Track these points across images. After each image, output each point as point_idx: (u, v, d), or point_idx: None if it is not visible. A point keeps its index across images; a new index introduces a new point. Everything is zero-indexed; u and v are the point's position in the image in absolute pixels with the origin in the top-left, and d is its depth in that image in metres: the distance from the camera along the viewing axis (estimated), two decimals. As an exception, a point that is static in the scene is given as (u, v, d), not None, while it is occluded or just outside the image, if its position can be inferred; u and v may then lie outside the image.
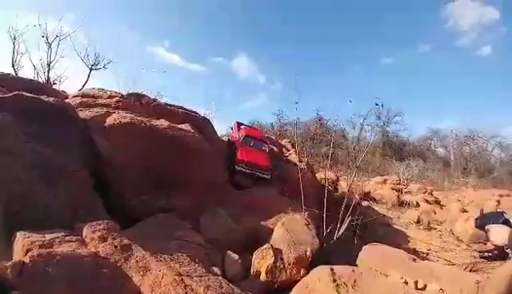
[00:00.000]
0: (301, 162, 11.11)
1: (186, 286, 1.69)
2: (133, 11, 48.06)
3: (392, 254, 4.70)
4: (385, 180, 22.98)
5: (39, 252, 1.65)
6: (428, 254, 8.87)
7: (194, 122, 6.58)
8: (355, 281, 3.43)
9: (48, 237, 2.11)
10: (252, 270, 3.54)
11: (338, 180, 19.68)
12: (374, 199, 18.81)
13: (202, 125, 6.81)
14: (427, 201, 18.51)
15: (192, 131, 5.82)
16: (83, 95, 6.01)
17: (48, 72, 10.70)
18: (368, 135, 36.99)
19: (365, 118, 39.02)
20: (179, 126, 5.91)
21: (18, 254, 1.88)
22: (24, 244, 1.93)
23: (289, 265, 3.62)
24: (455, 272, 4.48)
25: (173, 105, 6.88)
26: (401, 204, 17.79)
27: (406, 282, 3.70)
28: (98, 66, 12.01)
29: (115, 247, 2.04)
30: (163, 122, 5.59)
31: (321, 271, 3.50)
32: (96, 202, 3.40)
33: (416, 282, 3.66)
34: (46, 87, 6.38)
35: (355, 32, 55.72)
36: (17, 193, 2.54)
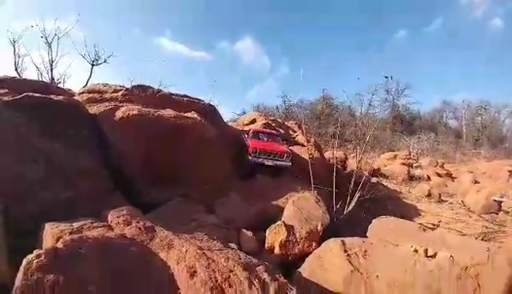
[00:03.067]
0: (308, 142, 11.15)
1: (208, 258, 1.85)
2: (133, 3, 46.96)
3: (403, 225, 4.82)
4: (395, 156, 22.81)
5: (71, 237, 1.80)
6: (438, 226, 8.98)
7: (199, 110, 6.64)
8: (365, 251, 3.60)
9: (76, 225, 2.30)
10: (266, 245, 3.76)
11: (346, 158, 19.72)
12: (383, 175, 18.85)
13: (208, 112, 6.87)
14: (438, 174, 18.42)
15: (199, 118, 5.91)
16: (89, 92, 6.13)
17: (51, 71, 10.84)
18: (377, 110, 36.25)
19: (373, 94, 37.99)
20: (185, 114, 6.00)
21: (48, 243, 2.05)
22: (54, 233, 2.10)
23: (301, 239, 3.81)
24: (466, 240, 4.57)
25: (178, 94, 6.93)
26: (412, 179, 17.79)
27: (416, 251, 3.84)
28: (99, 61, 12.04)
29: (139, 229, 2.22)
30: (169, 112, 5.69)
31: (333, 243, 3.67)
32: (113, 192, 3.61)
33: (426, 251, 3.79)
34: (51, 87, 6.51)
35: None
36: (29, 188, 2.74)
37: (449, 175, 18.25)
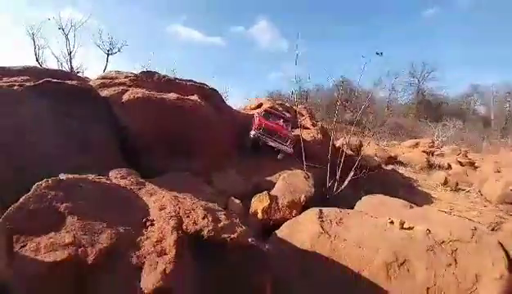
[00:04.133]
0: (314, 126, 11.36)
1: (178, 201, 2.42)
2: None
3: (388, 201, 5.09)
4: (417, 144, 22.12)
5: (74, 176, 2.32)
6: (450, 213, 9.01)
7: (202, 93, 7.21)
8: (340, 219, 3.98)
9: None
10: (250, 211, 4.31)
11: (361, 145, 19.59)
12: (401, 163, 18.53)
13: (210, 95, 7.42)
14: (460, 163, 17.78)
15: (199, 100, 6.47)
16: (102, 78, 6.93)
17: (70, 61, 11.96)
18: (400, 95, 34.57)
19: (396, 77, 36.17)
20: (187, 97, 6.60)
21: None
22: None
23: (283, 207, 4.30)
24: (451, 218, 4.73)
25: (182, 79, 7.53)
26: (432, 167, 17.36)
27: (393, 222, 4.14)
28: (114, 50, 12.98)
29: (132, 181, 2.84)
30: (172, 95, 6.31)
31: (311, 211, 4.10)
32: (120, 163, 4.32)
33: (403, 223, 4.08)
34: (71, 75, 7.41)
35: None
36: (52, 155, 3.47)
37: (471, 164, 17.51)
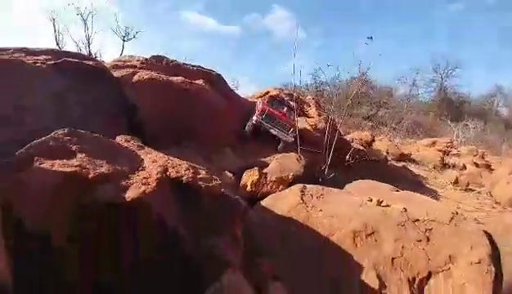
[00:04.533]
0: (320, 116, 11.58)
1: (169, 159, 2.91)
2: None
3: (375, 185, 5.35)
4: (434, 143, 21.63)
5: (87, 132, 2.88)
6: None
7: (208, 79, 7.69)
8: (322, 194, 4.34)
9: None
10: (241, 184, 4.78)
11: (373, 140, 19.50)
12: (413, 161, 18.34)
13: (214, 80, 7.89)
14: (476, 164, 17.37)
15: (203, 84, 6.96)
16: (117, 61, 7.58)
17: (89, 46, 12.84)
18: (421, 92, 33.37)
19: (417, 73, 34.80)
20: (193, 81, 7.10)
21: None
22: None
23: (271, 182, 4.73)
24: (434, 202, 4.94)
25: (189, 64, 8.04)
26: (445, 166, 17.11)
27: (371, 200, 4.44)
28: (129, 36, 13.73)
29: (133, 144, 3.37)
30: (178, 78, 6.84)
31: (296, 186, 4.49)
32: (128, 134, 4.91)
33: (380, 201, 4.38)
34: (88, 57, 8.13)
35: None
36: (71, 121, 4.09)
37: (487, 166, 17.07)
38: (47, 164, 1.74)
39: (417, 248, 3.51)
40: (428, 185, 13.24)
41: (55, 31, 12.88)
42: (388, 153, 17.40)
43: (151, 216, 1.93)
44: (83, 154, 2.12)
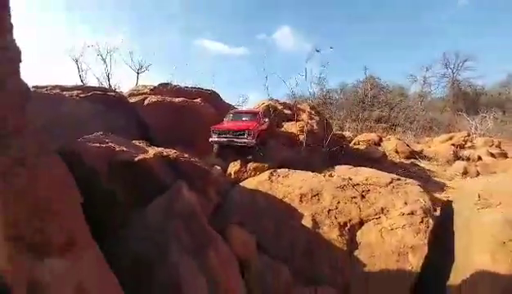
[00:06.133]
0: (311, 119, 13.08)
1: (163, 150, 4.67)
2: (173, 11, 54.94)
3: (363, 170, 6.52)
4: (451, 138, 21.94)
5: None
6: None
7: (203, 96, 9.67)
8: (287, 174, 5.78)
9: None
10: (226, 173, 6.39)
11: (381, 140, 20.46)
12: (425, 157, 18.87)
13: (210, 97, 9.86)
14: (492, 154, 17.59)
15: (200, 102, 8.90)
16: (132, 90, 9.86)
17: (109, 80, 15.69)
18: (434, 88, 33.52)
19: (427, 69, 35.19)
20: (191, 100, 9.08)
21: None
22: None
23: (250, 170, 6.29)
24: (378, 172, 6.02)
25: (188, 87, 10.14)
26: (459, 160, 17.46)
27: (331, 175, 5.83)
28: (142, 69, 16.53)
29: (142, 143, 5.21)
30: (179, 99, 8.86)
31: (268, 170, 5.99)
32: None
33: (332, 175, 5.76)
34: (111, 90, 10.55)
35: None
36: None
37: (504, 155, 17.20)
38: (95, 143, 3.56)
39: (351, 203, 4.84)
40: (436, 178, 13.80)
41: (78, 69, 15.91)
42: (397, 151, 18.14)
43: (151, 170, 3.64)
44: (111, 142, 3.93)
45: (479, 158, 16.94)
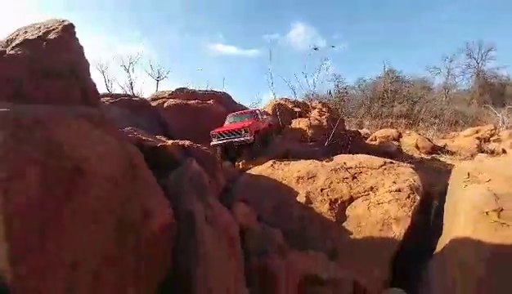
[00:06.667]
0: (321, 116, 13.71)
1: (179, 141, 5.72)
2: (187, 16, 58.05)
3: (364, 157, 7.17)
4: (477, 131, 21.35)
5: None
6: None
7: (216, 98, 10.79)
8: (289, 163, 6.55)
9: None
10: (235, 165, 7.33)
11: (400, 136, 20.49)
12: (447, 152, 18.66)
13: (222, 98, 10.94)
14: None
15: (212, 103, 10.00)
16: (153, 96, 11.24)
17: (132, 89, 17.51)
18: (458, 80, 32.28)
19: (451, 60, 33.96)
20: (205, 102, 10.21)
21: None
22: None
23: (255, 161, 7.18)
24: (372, 157, 6.56)
25: (202, 90, 11.32)
26: (483, 153, 17.14)
27: (323, 160, 6.52)
28: (161, 77, 18.21)
29: (163, 138, 6.30)
30: (194, 101, 10.02)
31: (271, 161, 6.81)
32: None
33: (331, 160, 6.45)
34: (135, 96, 12.03)
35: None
36: None
37: (533, 145, 16.54)
38: (128, 134, 4.65)
39: (342, 183, 5.52)
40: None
41: (104, 80, 18.05)
42: (417, 147, 18.11)
43: (171, 154, 4.65)
44: (139, 134, 5.02)
45: (504, 151, 16.47)
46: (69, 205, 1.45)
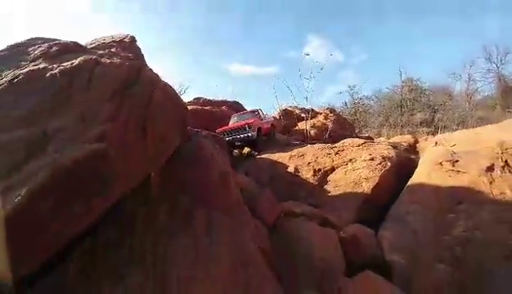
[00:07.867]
0: (326, 119, 15.24)
1: (195, 129, 7.65)
2: (208, 39, 63.87)
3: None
4: None
5: None
6: None
7: (228, 105, 12.85)
8: (303, 154, 8.09)
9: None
10: (242, 152, 9.05)
11: (416, 141, 21.34)
12: None
13: (233, 105, 12.99)
14: None
15: (224, 108, 12.02)
16: (174, 106, 13.58)
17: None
18: (479, 85, 32.29)
19: (471, 66, 34.36)
20: (218, 108, 12.28)
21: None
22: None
23: (258, 153, 8.86)
24: (356, 138, 7.92)
25: (216, 100, 13.51)
26: None
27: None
28: (181, 93, 20.89)
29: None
30: (208, 108, 12.11)
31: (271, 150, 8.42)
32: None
33: (326, 143, 7.97)
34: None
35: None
36: None
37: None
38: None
39: (326, 158, 7.00)
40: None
41: None
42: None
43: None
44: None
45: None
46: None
